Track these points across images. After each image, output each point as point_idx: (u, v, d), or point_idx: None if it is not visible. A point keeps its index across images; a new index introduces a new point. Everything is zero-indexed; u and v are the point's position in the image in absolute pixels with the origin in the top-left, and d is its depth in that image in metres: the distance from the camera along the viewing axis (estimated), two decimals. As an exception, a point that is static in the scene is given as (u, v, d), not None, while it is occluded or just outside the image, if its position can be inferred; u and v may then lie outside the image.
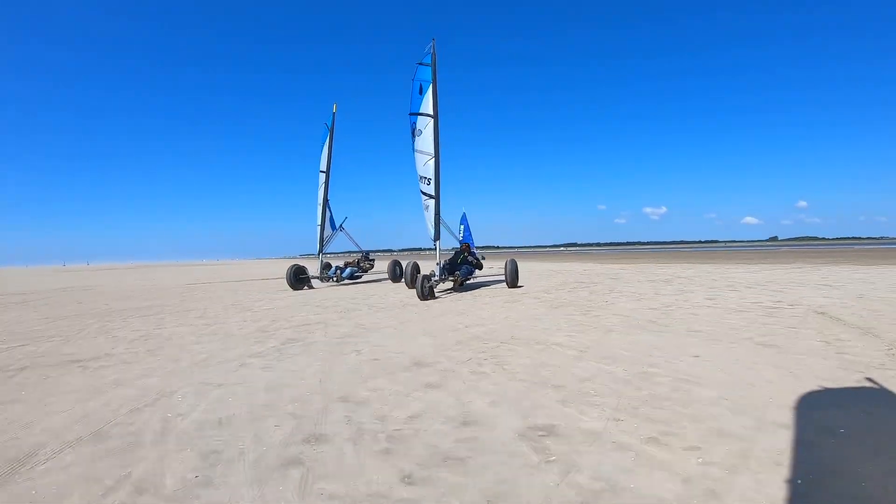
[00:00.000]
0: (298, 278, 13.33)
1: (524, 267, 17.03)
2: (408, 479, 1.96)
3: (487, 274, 10.82)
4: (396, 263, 13.84)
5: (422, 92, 10.32)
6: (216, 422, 2.66)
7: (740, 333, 4.71)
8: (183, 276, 23.85)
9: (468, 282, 10.36)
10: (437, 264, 9.89)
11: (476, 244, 10.65)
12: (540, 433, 2.36)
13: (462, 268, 10.01)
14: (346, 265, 14.19)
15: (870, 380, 3.06)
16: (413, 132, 10.37)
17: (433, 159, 10.15)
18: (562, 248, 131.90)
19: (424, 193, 10.27)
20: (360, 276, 14.22)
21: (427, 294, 8.90)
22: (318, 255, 14.45)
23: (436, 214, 10.12)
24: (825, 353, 3.83)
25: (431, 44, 10.20)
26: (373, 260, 14.48)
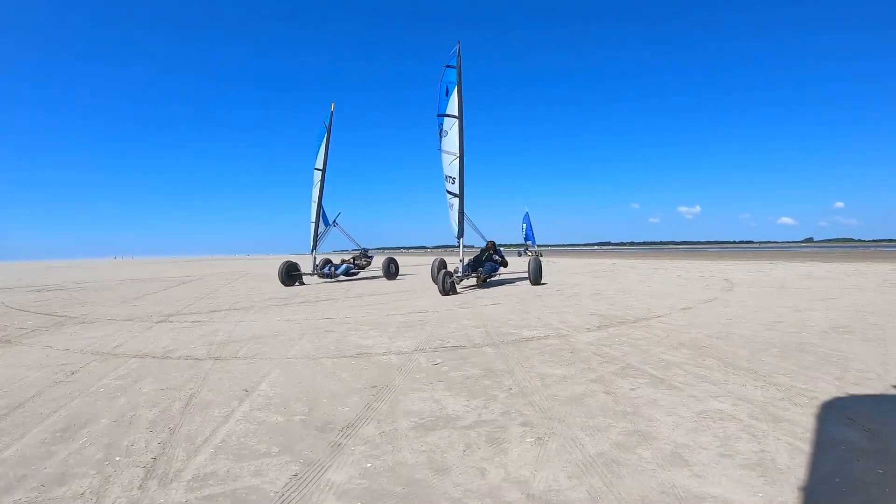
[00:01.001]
0: (290, 275, 13.31)
1: (559, 266, 20.38)
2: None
3: (513, 271, 11.31)
4: (391, 261, 13.94)
5: (448, 94, 10.67)
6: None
7: (669, 283, 10.81)
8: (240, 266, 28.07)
9: (492, 279, 10.76)
10: (461, 261, 10.22)
11: (507, 241, 11.06)
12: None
13: (486, 265, 10.42)
14: (343, 262, 13.99)
15: (719, 299, 7.85)
16: (440, 133, 10.66)
17: (458, 159, 10.53)
18: (595, 247, 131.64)
19: (449, 192, 10.59)
20: (356, 273, 14.07)
21: (448, 289, 9.21)
22: (312, 251, 14.08)
23: (460, 213, 10.47)
24: (706, 291, 9.05)
25: (457, 46, 10.60)
26: (371, 257, 14.41)
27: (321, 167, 13.78)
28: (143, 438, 2.50)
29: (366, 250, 14.27)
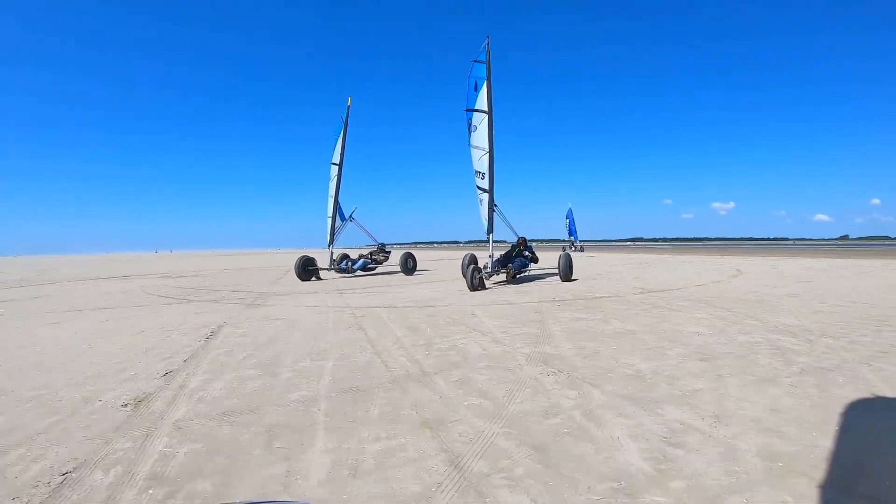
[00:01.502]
0: (307, 269, 13.68)
1: (599, 259, 23.25)
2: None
3: (543, 267, 11.36)
4: (409, 256, 14.29)
5: (476, 89, 10.95)
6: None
7: (692, 271, 13.95)
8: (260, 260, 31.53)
9: (522, 275, 10.78)
10: (490, 256, 10.29)
11: (548, 237, 11.38)
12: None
13: (516, 260, 10.51)
14: (360, 257, 13.90)
15: (724, 281, 10.63)
16: (469, 128, 10.70)
17: (487, 154, 10.73)
18: (627, 243, 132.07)
19: (479, 188, 10.90)
20: (373, 269, 14.14)
21: (477, 284, 9.72)
22: (329, 246, 14.01)
23: (489, 208, 10.72)
24: (718, 276, 12.03)
25: (486, 41, 10.71)
26: (388, 252, 14.75)
27: (338, 161, 14.08)
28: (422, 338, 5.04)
29: (383, 245, 14.41)
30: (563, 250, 14.49)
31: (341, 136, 15.12)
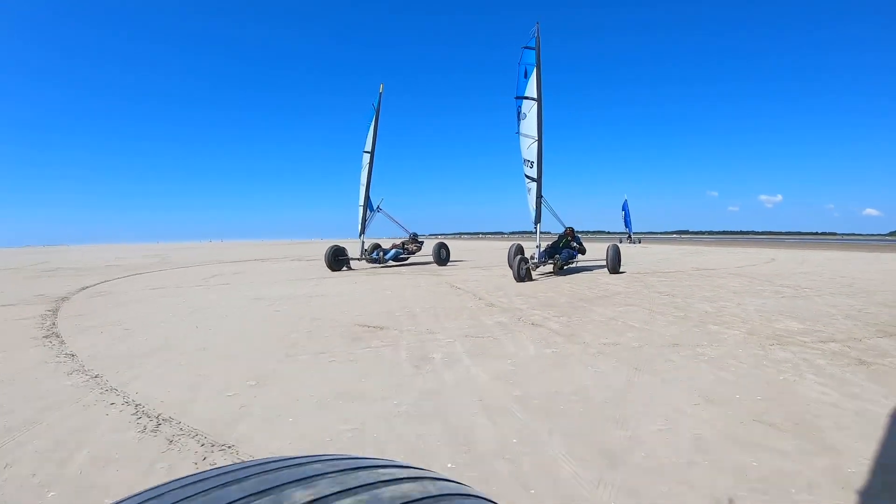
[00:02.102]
0: (337, 259, 14.09)
1: (656, 249, 24.59)
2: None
3: (591, 258, 11.14)
4: (442, 246, 14.53)
5: (526, 76, 11.10)
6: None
7: (733, 259, 16.21)
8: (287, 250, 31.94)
9: (569, 265, 10.51)
10: (537, 247, 10.09)
11: (587, 228, 11.44)
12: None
13: (563, 251, 10.31)
14: (392, 247, 13.63)
15: (758, 265, 13.66)
16: (518, 115, 10.50)
17: (536, 142, 10.87)
18: (674, 235, 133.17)
19: (527, 176, 10.94)
20: (405, 259, 14.30)
21: (524, 275, 9.96)
22: (360, 236, 13.79)
23: (537, 197, 10.41)
24: (753, 262, 14.40)
25: (536, 27, 10.53)
26: (421, 242, 15.12)
27: (370, 150, 13.65)
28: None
29: (416, 235, 14.34)
30: (620, 242, 14.35)
31: (373, 123, 15.28)
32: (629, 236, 38.36)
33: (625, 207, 38.94)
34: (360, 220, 15.53)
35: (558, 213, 11.94)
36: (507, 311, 5.93)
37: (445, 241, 17.54)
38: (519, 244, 12.52)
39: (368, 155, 15.43)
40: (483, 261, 16.79)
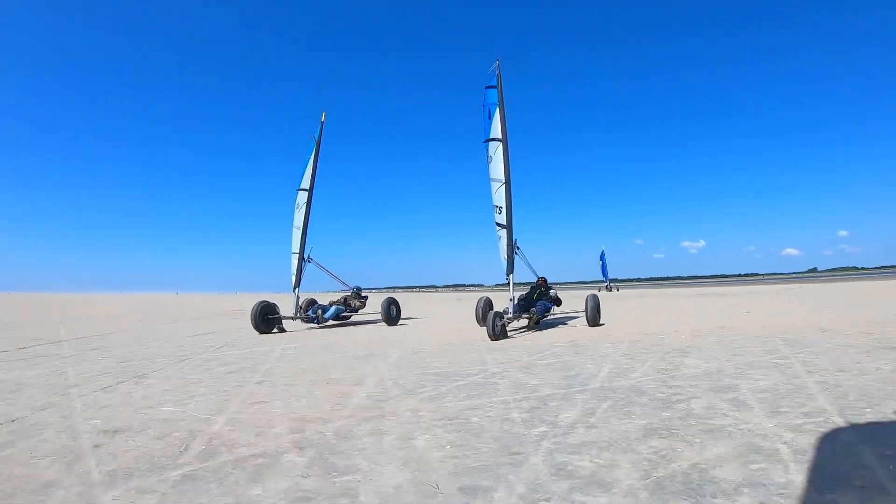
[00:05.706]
0: (266, 319, 11.66)
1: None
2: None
3: (567, 311, 10.20)
4: (392, 302, 12.80)
5: (490, 116, 10.65)
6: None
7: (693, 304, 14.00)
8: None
9: (545, 319, 9.52)
10: (511, 300, 9.02)
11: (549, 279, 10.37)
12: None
13: (538, 304, 9.31)
14: (331, 304, 11.71)
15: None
16: (487, 160, 9.56)
17: (504, 186, 9.80)
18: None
19: (497, 224, 10.09)
20: (348, 317, 12.18)
21: (499, 333, 8.90)
22: (294, 290, 11.71)
23: (508, 245, 9.49)
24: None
25: (496, 64, 10.08)
26: (365, 297, 13.02)
27: (307, 187, 11.76)
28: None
29: (359, 289, 12.46)
30: (599, 290, 13.72)
31: (312, 157, 13.41)
32: (607, 285, 40.64)
33: (602, 257, 43.77)
34: (293, 271, 13.06)
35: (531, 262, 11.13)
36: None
37: (395, 296, 15.18)
38: (488, 297, 11.76)
39: (306, 193, 13.26)
40: (439, 316, 14.73)
